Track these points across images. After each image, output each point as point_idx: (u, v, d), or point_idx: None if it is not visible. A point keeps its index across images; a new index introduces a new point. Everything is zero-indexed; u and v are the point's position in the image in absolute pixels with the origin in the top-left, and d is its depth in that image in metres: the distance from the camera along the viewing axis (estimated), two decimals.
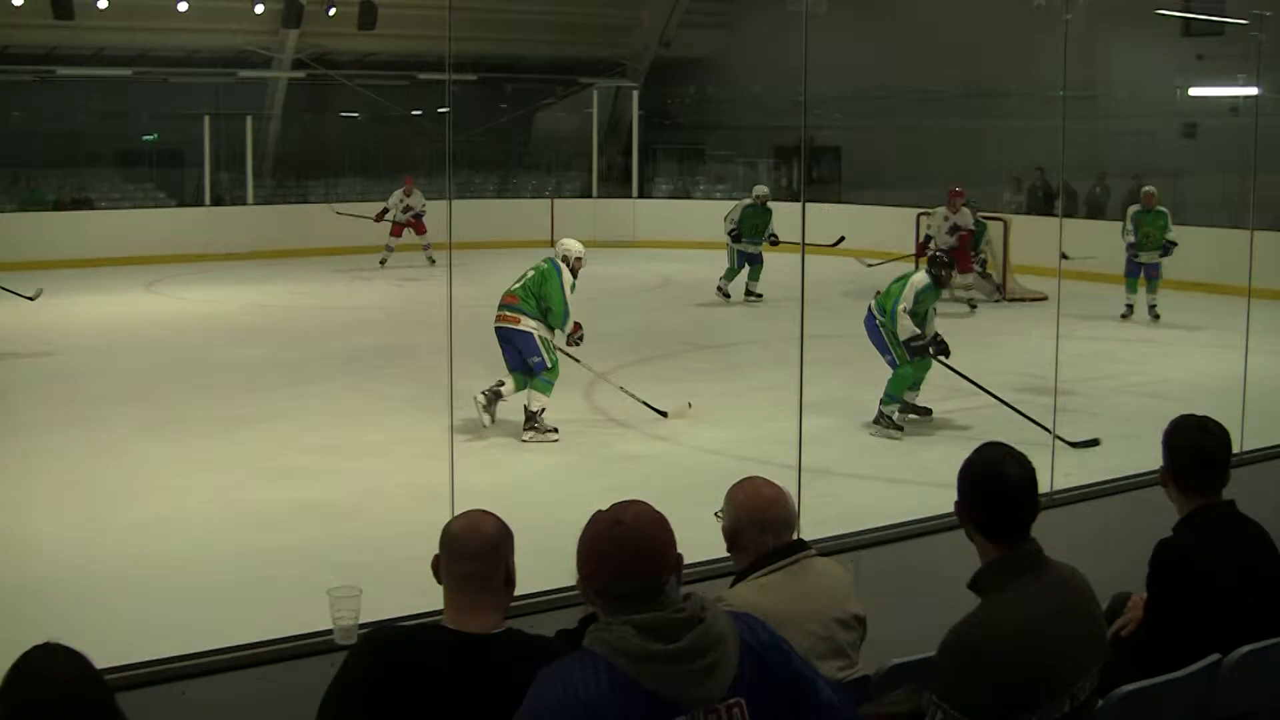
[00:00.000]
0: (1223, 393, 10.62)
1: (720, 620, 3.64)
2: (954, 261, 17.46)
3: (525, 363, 13.47)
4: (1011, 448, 4.53)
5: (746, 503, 4.93)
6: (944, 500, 4.93)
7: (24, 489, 11.33)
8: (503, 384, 13.52)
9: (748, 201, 22.89)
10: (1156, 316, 20.79)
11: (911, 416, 13.92)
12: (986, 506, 4.42)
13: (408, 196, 27.42)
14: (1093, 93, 28.32)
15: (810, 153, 34.49)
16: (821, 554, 5.09)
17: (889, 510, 7.84)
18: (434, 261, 26.61)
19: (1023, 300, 22.09)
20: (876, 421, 13.63)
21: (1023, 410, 12.67)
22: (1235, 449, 5.64)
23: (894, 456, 12.46)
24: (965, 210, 22.43)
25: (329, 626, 5.24)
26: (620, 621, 3.54)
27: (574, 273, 13.69)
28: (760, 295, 22.59)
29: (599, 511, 3.77)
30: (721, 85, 37.54)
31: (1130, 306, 20.88)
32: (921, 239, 22.69)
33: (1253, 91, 14.16)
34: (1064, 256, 17.35)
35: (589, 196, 34.38)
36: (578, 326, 13.50)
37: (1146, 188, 21.59)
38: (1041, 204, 28.42)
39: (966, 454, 4.54)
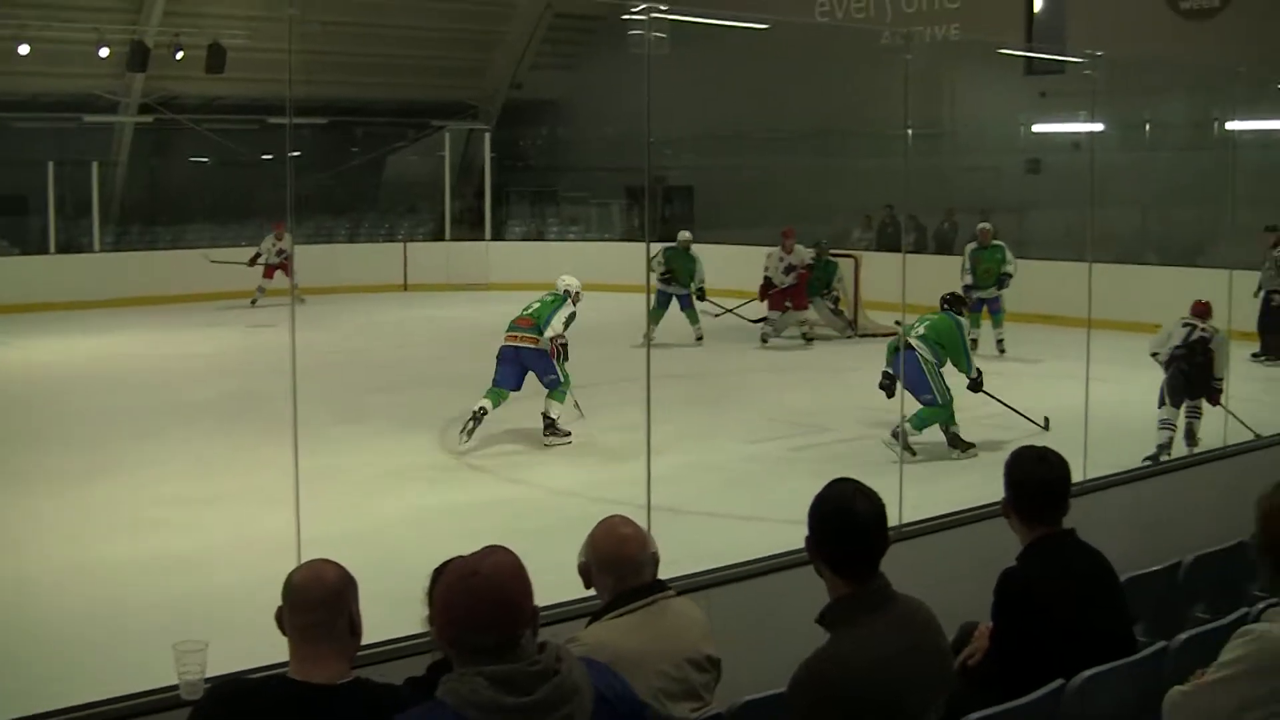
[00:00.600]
0: (1064, 423, 10.83)
1: (575, 671, 3.64)
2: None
3: (521, 380, 15.24)
4: (861, 484, 4.58)
5: (602, 542, 4.95)
6: (794, 536, 4.98)
7: None
8: (484, 409, 14.74)
9: (671, 245, 22.95)
10: (1002, 350, 21.11)
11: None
12: (836, 543, 4.46)
13: (279, 240, 27.44)
14: (939, 130, 28.77)
15: (663, 193, 34.71)
16: (676, 593, 5.11)
17: (742, 548, 7.86)
18: (304, 301, 26.50)
19: (874, 335, 22.30)
20: (953, 445, 14.11)
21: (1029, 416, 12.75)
22: (1077, 478, 5.75)
23: (747, 494, 12.52)
24: (799, 249, 22.83)
25: (175, 681, 5.17)
26: (473, 673, 3.50)
27: (574, 303, 15.40)
28: (701, 338, 23.06)
29: (457, 559, 3.76)
30: (573, 127, 37.65)
31: (974, 341, 21.12)
32: (762, 280, 22.87)
33: (1092, 128, 14.46)
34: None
35: (442, 239, 34.27)
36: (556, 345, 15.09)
37: (982, 224, 21.98)
38: (891, 240, 28.76)
39: (815, 490, 4.59)
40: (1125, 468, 9.78)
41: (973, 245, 21.68)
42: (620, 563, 4.89)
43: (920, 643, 4.42)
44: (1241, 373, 16.25)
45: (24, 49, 28.61)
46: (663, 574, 5.07)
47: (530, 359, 15.09)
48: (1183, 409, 14.08)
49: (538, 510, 11.68)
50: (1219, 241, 19.31)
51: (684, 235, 23.39)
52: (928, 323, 14.77)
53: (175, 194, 35.53)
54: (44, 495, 12.72)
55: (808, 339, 22.71)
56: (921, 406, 13.99)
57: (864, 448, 13.61)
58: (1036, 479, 5.47)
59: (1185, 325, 14.83)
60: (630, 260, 22.71)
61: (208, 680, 5.06)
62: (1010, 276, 21.18)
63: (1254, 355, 19.99)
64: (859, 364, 19.76)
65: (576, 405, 15.55)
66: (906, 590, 4.54)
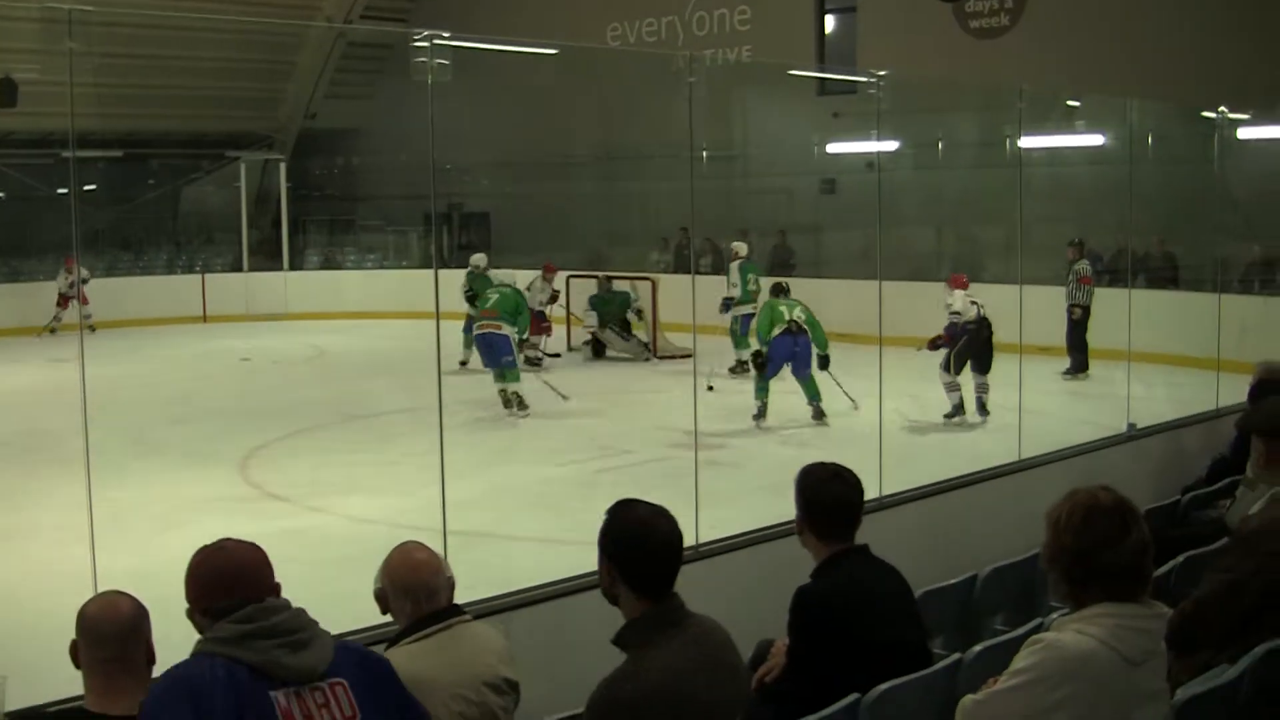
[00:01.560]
0: (859, 439, 10.99)
1: (309, 615, 4.05)
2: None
3: (498, 360, 18.01)
4: (656, 505, 4.64)
5: (397, 568, 4.96)
6: (593, 559, 5.03)
7: None
8: (511, 390, 17.90)
9: (471, 270, 22.87)
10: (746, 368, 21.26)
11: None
12: (637, 564, 4.51)
13: (69, 274, 27.32)
14: (731, 153, 29.01)
15: (459, 219, 34.67)
16: (475, 617, 5.12)
17: (544, 570, 7.90)
18: (93, 330, 26.17)
19: (672, 357, 22.46)
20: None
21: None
22: (872, 494, 5.85)
23: (548, 517, 12.51)
24: (559, 275, 23.55)
25: None
26: (220, 625, 3.89)
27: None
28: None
29: (202, 546, 4.25)
30: (368, 155, 37.41)
31: (740, 362, 21.25)
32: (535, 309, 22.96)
33: (881, 147, 14.72)
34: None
35: (240, 270, 33.92)
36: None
37: (734, 244, 22.30)
38: (688, 262, 28.96)
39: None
40: (919, 483, 9.93)
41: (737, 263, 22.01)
42: (415, 588, 4.90)
43: (716, 661, 4.47)
44: (1044, 388, 16.62)
45: None
46: (461, 598, 5.08)
47: (498, 341, 18.04)
48: (972, 384, 16.27)
49: (338, 539, 11.59)
50: (1011, 257, 19.63)
51: (477, 258, 23.36)
52: (798, 308, 16.87)
53: None
54: None
55: (536, 362, 22.80)
56: (804, 382, 16.68)
57: (663, 469, 13.68)
58: (830, 496, 5.53)
59: (973, 302, 15.63)
60: (428, 287, 22.64)
61: (8, 715, 4.99)
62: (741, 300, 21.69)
63: (1064, 372, 20.09)
64: (660, 386, 19.94)
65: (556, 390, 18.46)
66: (702, 609, 4.60)
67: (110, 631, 4.11)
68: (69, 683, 4.66)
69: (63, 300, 27.72)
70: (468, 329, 22.30)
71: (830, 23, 29.60)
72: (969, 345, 16.47)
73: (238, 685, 3.75)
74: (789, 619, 5.41)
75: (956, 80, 24.81)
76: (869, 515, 5.69)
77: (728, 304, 21.60)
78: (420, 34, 7.67)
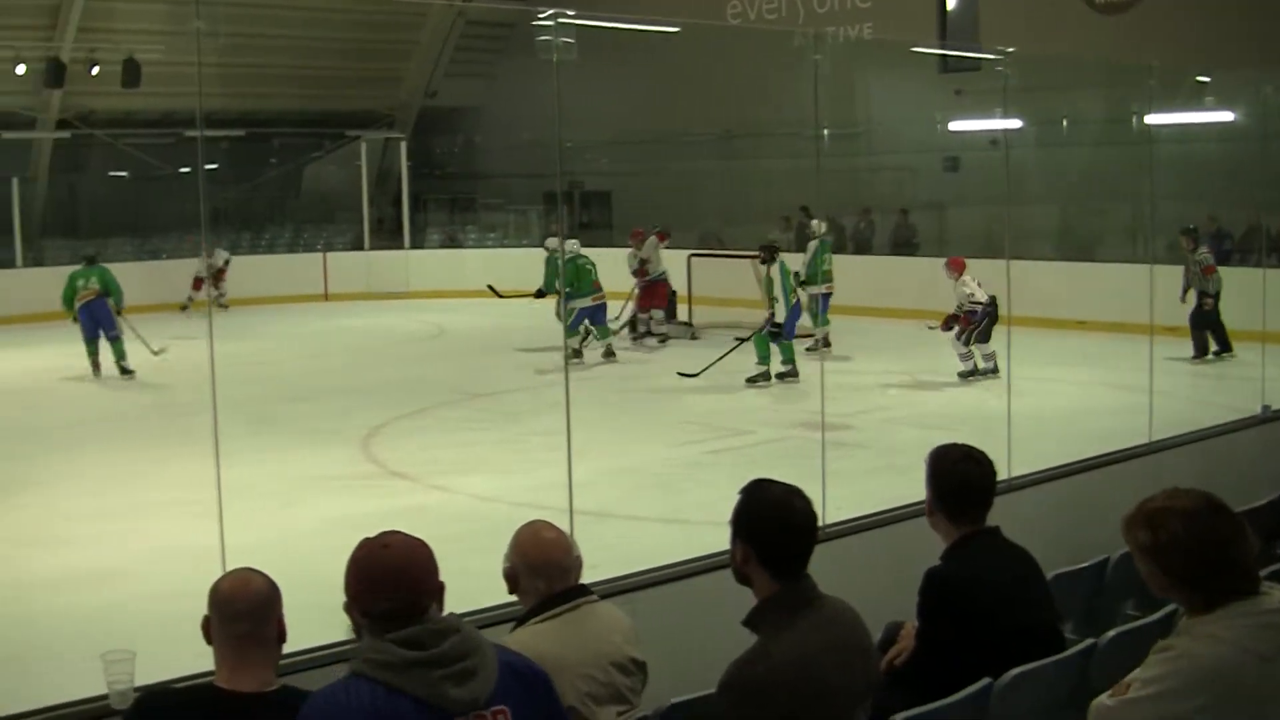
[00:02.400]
0: (986, 420, 10.87)
1: (477, 633, 3.87)
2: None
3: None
4: (791, 485, 4.58)
5: (526, 547, 4.92)
6: (717, 539, 4.97)
7: None
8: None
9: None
10: (828, 345, 21.09)
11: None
12: (773, 543, 4.45)
13: (209, 257, 28.18)
14: (854, 130, 28.78)
15: (580, 198, 34.68)
16: (600, 597, 5.09)
17: (665, 551, 7.86)
18: (227, 308, 26.89)
19: (797, 337, 22.32)
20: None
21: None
22: (1001, 476, 5.75)
23: (670, 497, 12.49)
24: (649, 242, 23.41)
25: (104, 691, 5.13)
26: (380, 640, 3.71)
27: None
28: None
29: (365, 539, 3.95)
30: (489, 134, 37.53)
31: (817, 341, 21.14)
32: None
33: (1007, 125, 14.52)
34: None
35: (361, 249, 34.17)
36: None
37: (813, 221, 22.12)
38: (807, 241, 28.77)
39: (735, 493, 4.58)
40: (1049, 465, 9.80)
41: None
42: (545, 567, 4.87)
43: (847, 643, 4.42)
44: (1171, 369, 16.41)
45: None
46: (586, 578, 5.05)
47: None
48: (977, 352, 17.48)
49: (460, 517, 11.60)
50: (1139, 236, 19.32)
51: (550, 242, 23.56)
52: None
53: (95, 208, 35.29)
54: None
55: (662, 340, 23.20)
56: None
57: (785, 449, 13.62)
58: (962, 477, 5.45)
59: (979, 283, 15.99)
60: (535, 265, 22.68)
61: (136, 689, 5.03)
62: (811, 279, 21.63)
63: (1191, 358, 19.44)
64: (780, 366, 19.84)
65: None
66: (831, 591, 4.54)
67: (243, 607, 4.11)
68: (196, 658, 4.68)
69: (196, 282, 28.48)
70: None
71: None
72: (987, 322, 17.32)
73: (398, 717, 3.64)
74: (919, 601, 5.34)
75: (1083, 57, 24.45)
76: (999, 497, 5.60)
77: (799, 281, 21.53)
78: (545, 12, 7.63)
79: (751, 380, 18.46)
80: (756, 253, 19.36)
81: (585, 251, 22.09)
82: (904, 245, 28.43)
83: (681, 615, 6.86)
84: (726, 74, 27.91)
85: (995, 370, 17.35)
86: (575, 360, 20.37)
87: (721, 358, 18.66)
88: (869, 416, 15.42)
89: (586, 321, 21.38)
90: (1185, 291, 19.41)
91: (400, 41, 36.40)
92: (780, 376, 18.52)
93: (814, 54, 9.46)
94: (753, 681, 4.20)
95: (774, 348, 18.53)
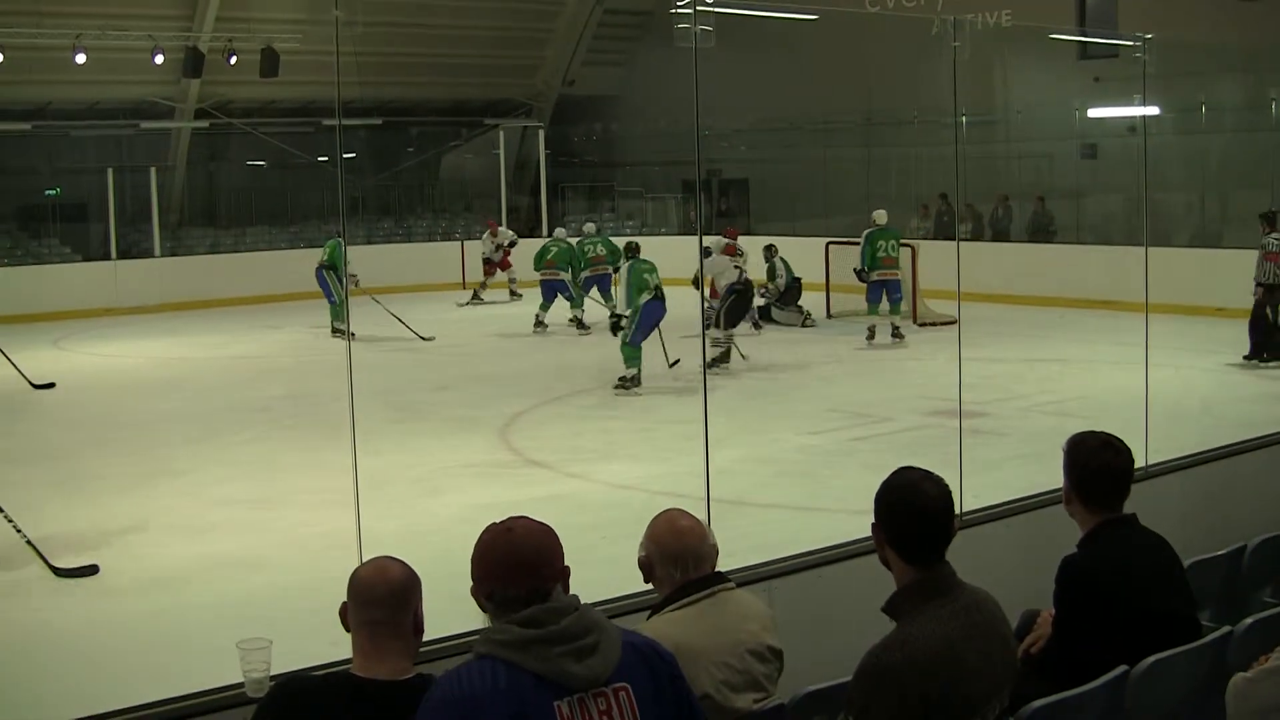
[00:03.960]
0: (1124, 408, 10.75)
1: (596, 611, 3.92)
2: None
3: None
4: (928, 471, 4.57)
5: (662, 535, 4.92)
6: (855, 527, 4.96)
7: None
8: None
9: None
10: (900, 336, 21.16)
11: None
12: (905, 528, 4.44)
13: (495, 236, 28.98)
14: (992, 118, 28.57)
15: (718, 186, 34.66)
16: (736, 584, 5.10)
17: (802, 539, 7.86)
18: (520, 296, 28.24)
19: (933, 325, 22.19)
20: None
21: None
22: (1138, 464, 5.70)
23: (805, 485, 12.47)
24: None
25: (240, 679, 5.21)
26: (502, 621, 3.80)
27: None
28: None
29: (490, 524, 4.00)
30: (627, 122, 37.61)
31: (872, 329, 21.05)
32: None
33: (1147, 111, 14.31)
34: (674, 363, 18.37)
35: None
36: None
37: (875, 211, 22.08)
38: (947, 229, 28.61)
39: (875, 481, 4.58)
40: (1186, 452, 9.68)
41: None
42: (681, 555, 4.87)
43: (987, 631, 4.39)
44: None
45: (81, 58, 28.89)
46: (722, 566, 5.05)
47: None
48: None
49: (596, 505, 11.64)
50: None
51: (559, 232, 25.65)
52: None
53: (233, 197, 35.85)
54: (108, 497, 12.80)
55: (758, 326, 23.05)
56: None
57: (923, 437, 13.56)
58: (1100, 464, 5.40)
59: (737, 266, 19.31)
60: (687, 254, 22.69)
61: (272, 678, 5.09)
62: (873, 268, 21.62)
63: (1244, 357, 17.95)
64: (918, 354, 19.76)
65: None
66: (968, 579, 4.52)
67: (381, 594, 4.14)
68: (332, 647, 4.75)
69: (488, 267, 29.05)
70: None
71: None
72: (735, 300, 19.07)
73: (520, 695, 3.68)
74: (1055, 589, 5.30)
75: (1225, 43, 24.09)
76: (1136, 484, 5.55)
77: (858, 273, 21.69)
78: (684, 0, 7.64)
79: (620, 383, 18.00)
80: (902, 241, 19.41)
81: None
82: (1041, 232, 28.15)
83: (818, 603, 6.85)
84: (864, 61, 27.80)
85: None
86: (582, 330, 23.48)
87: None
88: (1006, 404, 15.31)
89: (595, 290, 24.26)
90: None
91: (538, 30, 36.58)
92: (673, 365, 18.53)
93: (954, 41, 9.39)
94: (890, 668, 4.19)
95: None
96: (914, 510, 4.44)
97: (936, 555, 4.43)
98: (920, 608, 4.33)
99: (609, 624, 3.94)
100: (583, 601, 3.94)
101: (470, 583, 3.98)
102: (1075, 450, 5.47)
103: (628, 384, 17.46)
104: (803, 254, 24.74)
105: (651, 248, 21.11)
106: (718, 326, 19.05)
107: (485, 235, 29.36)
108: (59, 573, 10.44)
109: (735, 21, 8.36)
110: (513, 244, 28.90)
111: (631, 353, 17.62)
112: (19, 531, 10.83)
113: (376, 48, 29.13)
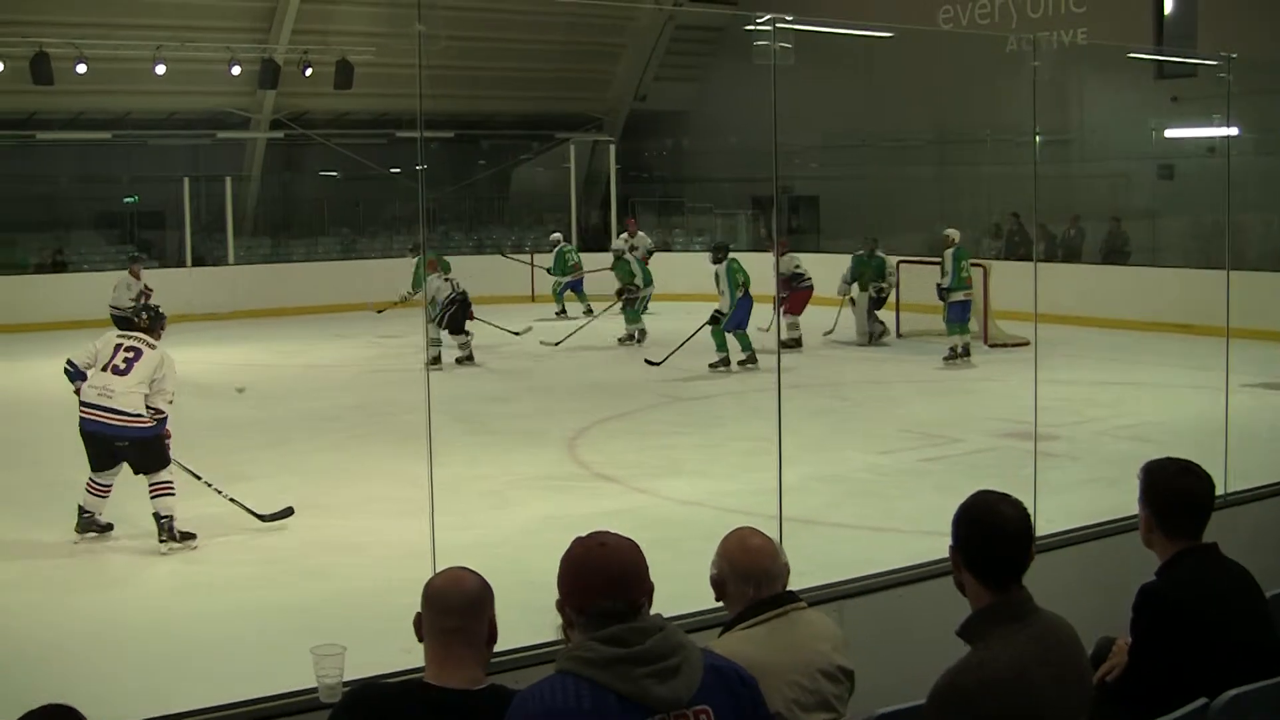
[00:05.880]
0: (1202, 434, 10.64)
1: (681, 633, 3.89)
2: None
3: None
4: (1007, 494, 4.53)
5: (734, 553, 4.89)
6: (927, 548, 4.91)
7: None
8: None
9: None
10: (967, 354, 21.11)
11: None
12: (984, 550, 4.41)
13: (631, 237, 29.10)
14: (1067, 137, 28.37)
15: (788, 203, 34.58)
16: (807, 604, 5.06)
17: (873, 559, 7.81)
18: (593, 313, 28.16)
19: (1004, 346, 22.05)
20: None
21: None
22: (1218, 491, 5.61)
23: (876, 505, 12.41)
24: (785, 258, 23.02)
25: (313, 684, 5.22)
26: (586, 639, 3.78)
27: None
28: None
29: (579, 537, 4.00)
30: (698, 137, 37.59)
31: (955, 348, 20.96)
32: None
33: (1227, 132, 14.14)
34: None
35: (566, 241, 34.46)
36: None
37: (946, 230, 21.93)
38: (1017, 248, 28.44)
39: (947, 502, 4.54)
40: (1268, 481, 9.56)
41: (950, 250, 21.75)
42: (753, 573, 4.84)
43: (1063, 658, 4.34)
44: None
45: (160, 69, 29.36)
46: (793, 585, 5.02)
47: None
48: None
49: (665, 520, 11.59)
50: None
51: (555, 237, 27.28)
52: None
53: (306, 207, 36.12)
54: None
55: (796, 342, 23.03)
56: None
57: (995, 459, 13.46)
58: (1179, 491, 5.31)
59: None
60: (756, 270, 22.65)
61: (346, 684, 5.12)
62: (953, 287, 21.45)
63: None
64: (989, 375, 19.64)
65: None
66: (1040, 604, 4.48)
67: (457, 603, 4.15)
68: (403, 655, 4.74)
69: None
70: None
71: (1169, 3, 28.70)
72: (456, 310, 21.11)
73: (602, 714, 3.67)
74: (1133, 617, 5.22)
75: None
76: (1216, 512, 5.46)
77: (942, 291, 21.47)
78: (762, 17, 7.62)
79: (713, 366, 20.21)
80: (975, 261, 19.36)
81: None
82: (1115, 253, 27.95)
83: (890, 624, 6.81)
84: (938, 79, 27.67)
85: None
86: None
87: (680, 346, 20.41)
88: (1079, 427, 15.17)
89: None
90: None
91: (610, 45, 36.68)
92: (741, 364, 20.19)
93: (1033, 60, 9.33)
94: (964, 692, 4.15)
95: (732, 338, 20.31)
96: (993, 534, 4.40)
97: (1014, 579, 4.38)
98: (995, 632, 4.29)
99: (693, 645, 3.92)
100: (691, 654, 3.91)
101: (544, 595, 3.98)
102: (1153, 476, 5.38)
103: (718, 366, 20.10)
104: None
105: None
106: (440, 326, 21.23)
107: (622, 236, 29.57)
108: (263, 519, 11.70)
109: (809, 38, 8.33)
110: (650, 252, 29.10)
111: (722, 340, 20.01)
112: (219, 492, 11.80)
113: (450, 61, 29.31)
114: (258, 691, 5.60)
